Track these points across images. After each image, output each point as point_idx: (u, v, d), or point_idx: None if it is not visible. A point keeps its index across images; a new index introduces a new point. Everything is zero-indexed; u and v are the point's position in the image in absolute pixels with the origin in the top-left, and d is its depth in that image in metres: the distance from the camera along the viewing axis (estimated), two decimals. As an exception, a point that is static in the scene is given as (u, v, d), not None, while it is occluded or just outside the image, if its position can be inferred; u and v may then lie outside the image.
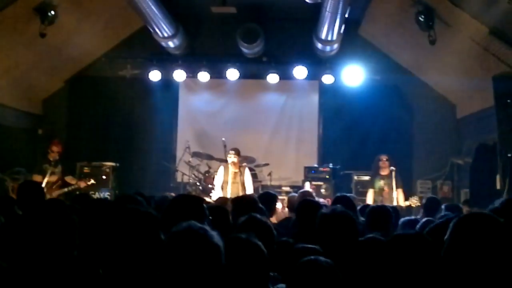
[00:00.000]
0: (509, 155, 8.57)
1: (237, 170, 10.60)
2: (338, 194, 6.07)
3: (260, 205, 5.62)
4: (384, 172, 10.63)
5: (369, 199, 10.63)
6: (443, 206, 7.60)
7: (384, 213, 5.69)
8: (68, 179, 10.70)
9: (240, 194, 9.83)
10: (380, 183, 10.63)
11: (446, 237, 2.93)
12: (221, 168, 10.83)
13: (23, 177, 11.15)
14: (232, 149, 10.76)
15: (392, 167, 10.52)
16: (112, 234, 3.25)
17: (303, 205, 5.22)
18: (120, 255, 3.18)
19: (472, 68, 10.90)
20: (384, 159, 10.67)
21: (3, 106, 12.08)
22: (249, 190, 10.45)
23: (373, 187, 10.76)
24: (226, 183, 10.51)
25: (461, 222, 2.88)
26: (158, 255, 2.66)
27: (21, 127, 13.02)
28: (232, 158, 10.59)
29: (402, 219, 6.26)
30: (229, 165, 10.62)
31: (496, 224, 2.83)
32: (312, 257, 3.04)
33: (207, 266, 2.54)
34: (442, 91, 13.16)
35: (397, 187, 10.35)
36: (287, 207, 8.12)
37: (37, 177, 10.15)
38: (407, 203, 10.10)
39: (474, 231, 2.82)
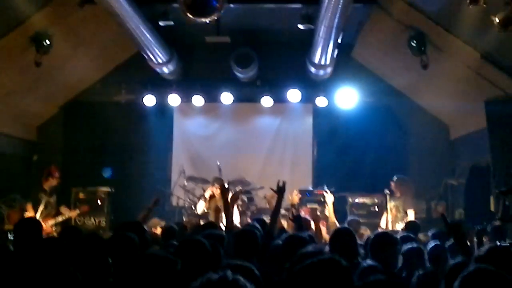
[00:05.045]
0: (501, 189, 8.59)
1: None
2: (340, 227, 5.96)
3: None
4: (397, 194, 10.50)
5: (382, 222, 10.53)
6: (429, 233, 7.55)
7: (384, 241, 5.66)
8: (62, 209, 10.60)
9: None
10: (390, 204, 10.38)
11: None
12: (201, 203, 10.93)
13: (18, 204, 11.11)
14: (215, 179, 10.82)
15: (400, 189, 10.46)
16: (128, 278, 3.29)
17: (291, 241, 5.10)
18: None
19: (465, 91, 11.01)
20: (392, 181, 10.60)
21: (-3, 132, 12.10)
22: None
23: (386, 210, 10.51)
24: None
25: (468, 280, 2.85)
26: None
27: (16, 154, 13.02)
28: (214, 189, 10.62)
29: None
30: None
31: (504, 282, 2.80)
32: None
33: None
34: (436, 112, 13.26)
35: (406, 210, 10.28)
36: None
37: (29, 208, 9.94)
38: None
39: None
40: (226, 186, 7.35)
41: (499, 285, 2.78)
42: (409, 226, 8.37)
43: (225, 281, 2.47)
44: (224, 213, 7.07)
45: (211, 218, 10.11)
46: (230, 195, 7.22)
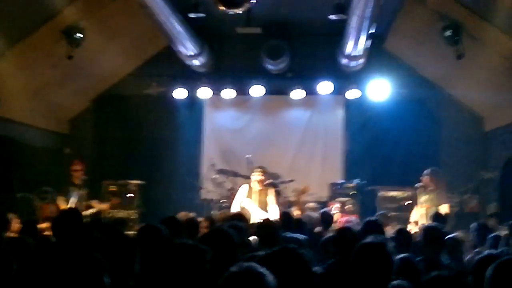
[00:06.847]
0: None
1: (261, 188, 10.13)
2: (369, 219, 5.88)
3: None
4: (430, 187, 10.02)
5: (413, 216, 10.07)
6: (471, 226, 7.50)
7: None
8: (93, 203, 10.52)
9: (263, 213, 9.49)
10: (423, 198, 9.96)
11: (485, 283, 2.83)
12: (244, 186, 10.27)
13: (50, 196, 11.20)
14: (259, 167, 10.45)
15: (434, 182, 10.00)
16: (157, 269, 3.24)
17: (342, 234, 5.06)
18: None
19: (500, 81, 10.80)
20: (425, 174, 10.08)
21: (30, 126, 12.22)
22: (272, 212, 9.63)
23: (416, 204, 10.14)
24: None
25: (500, 269, 2.78)
26: None
27: (48, 147, 13.12)
28: (257, 176, 10.20)
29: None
30: (255, 183, 10.08)
31: None
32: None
33: None
34: (470, 104, 13.03)
35: (440, 203, 9.76)
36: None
37: (61, 201, 9.93)
38: None
39: None
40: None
41: None
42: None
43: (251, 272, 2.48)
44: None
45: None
46: None
